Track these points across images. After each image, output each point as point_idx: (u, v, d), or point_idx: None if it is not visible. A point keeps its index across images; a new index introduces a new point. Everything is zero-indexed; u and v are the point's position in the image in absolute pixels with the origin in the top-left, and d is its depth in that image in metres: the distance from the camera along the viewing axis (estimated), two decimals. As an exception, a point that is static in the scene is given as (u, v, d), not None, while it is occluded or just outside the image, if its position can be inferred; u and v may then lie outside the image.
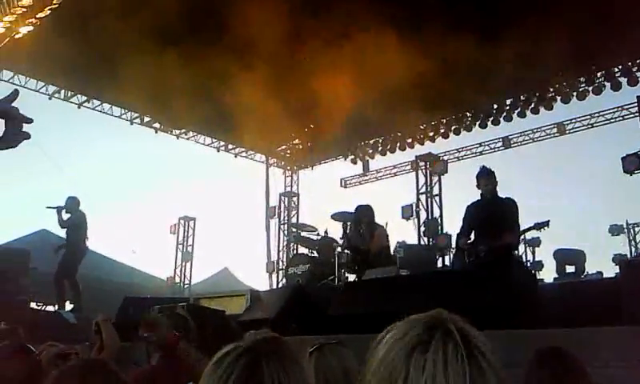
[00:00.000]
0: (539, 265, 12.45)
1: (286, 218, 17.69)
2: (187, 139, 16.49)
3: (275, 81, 11.86)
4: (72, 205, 9.81)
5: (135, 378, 2.74)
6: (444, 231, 13.24)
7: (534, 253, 12.75)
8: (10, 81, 13.22)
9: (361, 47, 10.66)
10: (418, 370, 0.85)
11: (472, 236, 6.63)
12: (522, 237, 6.37)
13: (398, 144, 15.69)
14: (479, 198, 6.59)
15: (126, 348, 5.47)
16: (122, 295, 7.89)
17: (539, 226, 6.20)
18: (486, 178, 6.47)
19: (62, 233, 10.18)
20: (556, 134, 14.53)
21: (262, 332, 1.22)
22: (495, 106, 13.99)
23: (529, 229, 6.28)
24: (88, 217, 10.15)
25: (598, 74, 12.57)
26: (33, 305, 12.31)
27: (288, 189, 18.49)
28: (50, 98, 13.81)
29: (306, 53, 11.70)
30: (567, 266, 11.47)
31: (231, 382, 1.07)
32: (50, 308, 13.23)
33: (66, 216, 9.86)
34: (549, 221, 6.17)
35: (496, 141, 15.32)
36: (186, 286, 16.61)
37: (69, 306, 10.02)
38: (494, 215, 6.33)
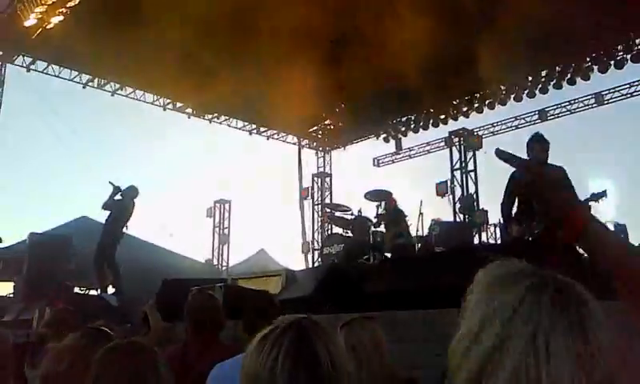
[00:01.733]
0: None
1: (320, 199, 17.73)
2: (220, 123, 16.62)
3: (306, 62, 11.83)
4: (129, 192, 9.94)
5: (169, 355, 2.80)
6: (480, 207, 13.07)
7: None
8: (45, 71, 13.52)
9: (392, 24, 10.53)
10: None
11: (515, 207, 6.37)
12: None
13: (431, 121, 15.49)
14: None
15: (167, 328, 5.60)
16: (162, 278, 8.04)
17: (597, 197, 5.84)
18: (539, 145, 6.02)
19: (103, 218, 10.35)
20: (594, 105, 14.10)
21: (297, 316, 1.22)
22: (530, 78, 13.65)
23: (586, 201, 5.93)
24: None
25: (637, 41, 12.09)
26: (76, 289, 12.69)
27: (321, 169, 18.51)
28: (83, 87, 14.08)
29: (337, 32, 11.65)
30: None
31: (282, 353, 1.06)
32: (93, 292, 13.62)
33: (117, 199, 9.97)
34: (606, 191, 5.81)
35: (532, 114, 14.99)
36: (223, 268, 16.86)
37: (111, 290, 10.26)
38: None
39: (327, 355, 1.08)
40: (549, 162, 6.16)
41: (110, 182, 9.84)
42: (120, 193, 9.86)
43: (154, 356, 1.74)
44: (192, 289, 5.28)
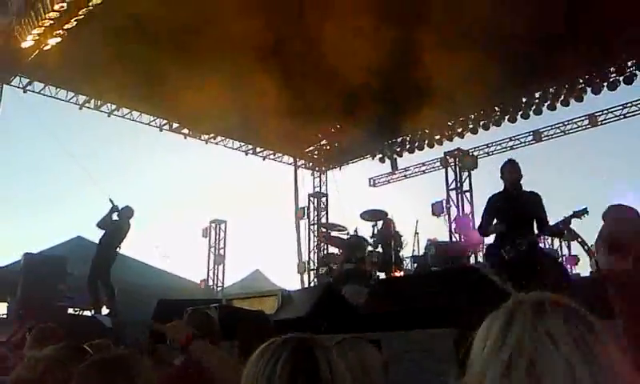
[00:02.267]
0: (575, 259, 12.23)
1: (316, 219, 17.73)
2: (216, 144, 16.66)
3: (300, 83, 11.92)
4: (125, 212, 9.93)
5: (168, 376, 2.79)
6: (476, 227, 13.09)
7: (569, 247, 12.54)
8: (41, 92, 13.56)
9: (388, 44, 10.63)
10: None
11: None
12: (568, 223, 6.23)
13: (427, 141, 15.56)
14: (501, 190, 6.50)
15: (162, 350, 5.56)
16: (156, 299, 8.00)
17: (578, 214, 6.07)
18: (510, 166, 6.40)
19: (97, 237, 10.32)
20: (588, 126, 14.22)
21: (324, 338, 1.23)
22: (524, 100, 13.76)
23: (569, 217, 6.15)
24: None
25: (629, 63, 12.24)
26: (70, 310, 12.61)
27: (317, 189, 18.53)
28: (80, 108, 14.10)
29: (331, 52, 11.74)
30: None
31: (281, 362, 1.06)
32: (87, 313, 13.52)
33: (113, 218, 9.95)
34: (586, 208, 6.04)
35: (526, 135, 15.09)
36: (219, 289, 16.78)
37: (105, 310, 10.19)
38: (523, 207, 6.24)
39: (327, 365, 1.08)
40: (524, 188, 6.33)
41: (110, 200, 9.83)
42: (116, 213, 9.86)
43: (138, 371, 1.74)
44: (187, 309, 5.26)
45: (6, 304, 12.83)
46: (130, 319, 9.20)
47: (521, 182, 6.40)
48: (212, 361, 2.30)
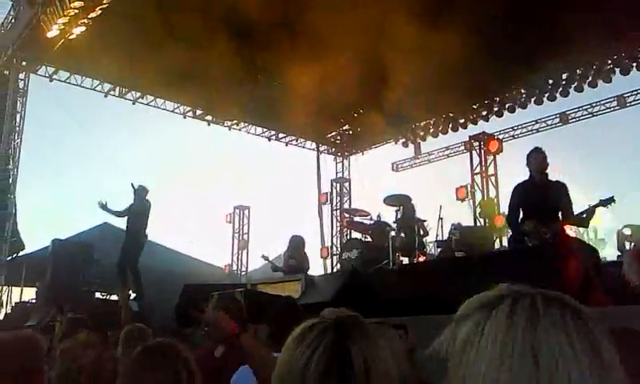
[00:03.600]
0: (602, 243, 12.05)
1: (339, 204, 17.72)
2: (239, 130, 16.73)
3: (324, 68, 11.85)
4: (140, 193, 10.00)
5: (196, 358, 2.82)
6: (501, 211, 12.95)
7: (595, 232, 12.37)
8: (67, 81, 13.74)
9: (409, 28, 10.51)
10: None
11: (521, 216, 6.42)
12: (593, 213, 6.05)
13: (451, 125, 15.41)
14: (527, 178, 6.36)
15: (187, 334, 5.65)
16: (182, 284, 8.10)
17: (605, 203, 5.92)
18: (536, 154, 6.22)
19: (124, 225, 10.44)
20: (616, 108, 13.92)
21: (342, 310, 1.19)
22: (551, 81, 13.51)
23: (595, 206, 5.99)
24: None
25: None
26: (97, 295, 12.86)
27: (339, 175, 18.50)
28: (105, 96, 14.27)
29: (352, 37, 11.65)
30: (626, 243, 11.04)
31: (318, 353, 1.04)
32: (114, 297, 13.78)
33: (130, 203, 10.02)
34: (613, 197, 5.89)
35: (553, 117, 14.83)
36: (242, 273, 16.93)
37: (132, 295, 10.34)
38: (549, 197, 6.11)
39: (362, 360, 1.05)
40: (550, 176, 6.18)
41: (131, 184, 9.91)
42: (133, 192, 9.95)
43: (186, 357, 1.77)
44: (212, 294, 5.32)
45: (35, 289, 13.13)
46: (156, 303, 9.34)
47: (547, 171, 6.26)
48: (256, 356, 2.29)
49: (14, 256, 12.62)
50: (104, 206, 9.82)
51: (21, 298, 13.58)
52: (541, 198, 6.12)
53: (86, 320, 4.11)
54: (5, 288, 12.67)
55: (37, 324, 8.97)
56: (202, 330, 3.35)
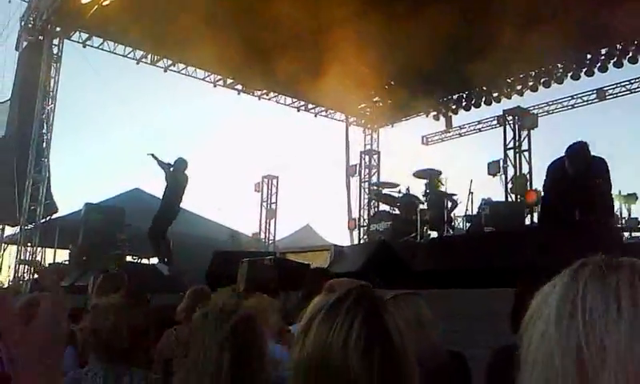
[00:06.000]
0: (634, 222, 11.78)
1: (367, 176, 17.64)
2: (268, 100, 16.71)
3: (356, 39, 11.69)
4: (180, 165, 10.01)
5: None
6: (533, 187, 12.73)
7: (629, 210, 12.10)
8: (100, 47, 13.84)
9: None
10: None
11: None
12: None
13: (484, 98, 15.12)
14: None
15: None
16: (211, 250, 8.18)
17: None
18: (569, 160, 5.80)
19: (154, 191, 10.52)
20: (657, 85, 13.48)
21: (351, 281, 1.16)
22: (589, 56, 13.11)
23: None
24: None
25: None
26: (129, 258, 13.11)
27: (368, 147, 18.39)
28: (137, 63, 14.35)
29: (388, 10, 11.46)
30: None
31: (356, 326, 1.00)
32: (145, 261, 14.03)
33: (170, 172, 10.02)
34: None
35: (589, 93, 14.44)
36: (270, 242, 17.06)
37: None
38: (585, 186, 5.81)
39: (398, 331, 1.03)
40: (592, 154, 5.84)
41: (151, 155, 9.93)
42: (171, 167, 9.96)
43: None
44: (242, 260, 5.36)
45: (68, 251, 13.44)
46: (186, 268, 9.48)
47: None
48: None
49: (48, 218, 12.91)
50: (153, 155, 9.86)
51: (54, 260, 13.92)
52: (577, 185, 5.80)
53: (120, 275, 4.18)
54: (39, 249, 13.00)
55: (69, 285, 9.19)
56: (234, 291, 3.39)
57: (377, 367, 0.98)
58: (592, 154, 5.88)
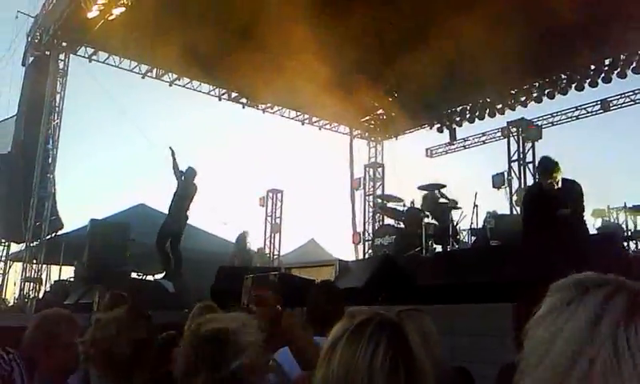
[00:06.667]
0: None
1: (372, 189, 17.63)
2: (273, 113, 16.76)
3: (358, 52, 11.75)
4: (190, 175, 10.00)
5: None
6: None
7: (635, 223, 12.01)
8: (106, 62, 13.93)
9: (447, 11, 10.33)
10: None
11: None
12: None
13: (488, 110, 15.10)
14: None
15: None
16: (216, 265, 8.17)
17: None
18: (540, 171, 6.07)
19: (159, 206, 10.52)
20: (662, 95, 13.44)
21: (382, 308, 1.17)
22: (593, 67, 13.11)
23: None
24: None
25: None
26: (133, 274, 13.10)
27: (372, 160, 18.39)
28: (142, 77, 14.43)
29: (390, 23, 11.52)
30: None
31: (382, 348, 1.01)
32: (150, 277, 14.01)
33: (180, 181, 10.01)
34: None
35: (593, 104, 14.42)
36: (275, 257, 17.03)
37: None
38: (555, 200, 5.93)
39: (420, 352, 1.05)
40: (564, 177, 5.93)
41: (170, 148, 9.89)
42: (183, 174, 9.95)
43: None
44: (247, 276, 5.36)
45: (73, 267, 13.44)
46: (191, 284, 9.45)
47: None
48: (297, 338, 2.26)
49: (53, 235, 12.92)
50: (173, 152, 9.86)
51: (59, 277, 13.92)
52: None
53: (126, 297, 4.18)
54: (44, 266, 12.99)
55: (74, 302, 9.18)
56: (242, 308, 3.36)
57: None
58: (564, 176, 5.94)
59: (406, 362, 1.02)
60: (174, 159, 9.80)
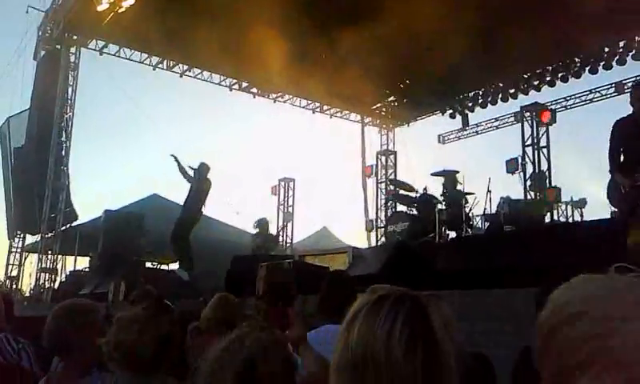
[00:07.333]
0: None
1: (384, 177, 17.57)
2: (284, 102, 16.73)
3: (369, 38, 11.65)
4: (203, 171, 10.02)
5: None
6: (552, 184, 12.56)
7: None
8: (117, 54, 13.96)
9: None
10: None
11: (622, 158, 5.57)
12: None
13: (500, 95, 14.95)
14: (630, 114, 5.49)
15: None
16: (230, 254, 8.19)
17: None
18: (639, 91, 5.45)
19: (173, 197, 10.56)
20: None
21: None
22: (607, 49, 12.91)
23: None
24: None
25: None
26: (148, 264, 13.19)
27: (384, 147, 18.31)
28: (154, 69, 14.46)
29: (400, 6, 11.40)
30: None
31: (400, 322, 1.01)
32: (164, 267, 14.11)
33: (193, 176, 10.03)
34: None
35: (608, 87, 14.23)
36: (288, 245, 17.06)
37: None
38: None
39: (441, 328, 1.03)
40: None
41: (172, 156, 9.95)
42: (194, 170, 9.98)
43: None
44: (261, 264, 5.36)
45: (88, 258, 13.56)
46: (205, 273, 9.49)
47: None
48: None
49: (68, 226, 13.03)
50: (176, 158, 9.90)
51: (75, 267, 14.06)
52: None
53: (153, 292, 4.19)
54: (59, 257, 13.12)
55: (90, 292, 9.26)
56: (256, 297, 3.37)
57: (420, 362, 0.99)
58: None
59: (424, 337, 1.01)
60: (179, 164, 9.84)
